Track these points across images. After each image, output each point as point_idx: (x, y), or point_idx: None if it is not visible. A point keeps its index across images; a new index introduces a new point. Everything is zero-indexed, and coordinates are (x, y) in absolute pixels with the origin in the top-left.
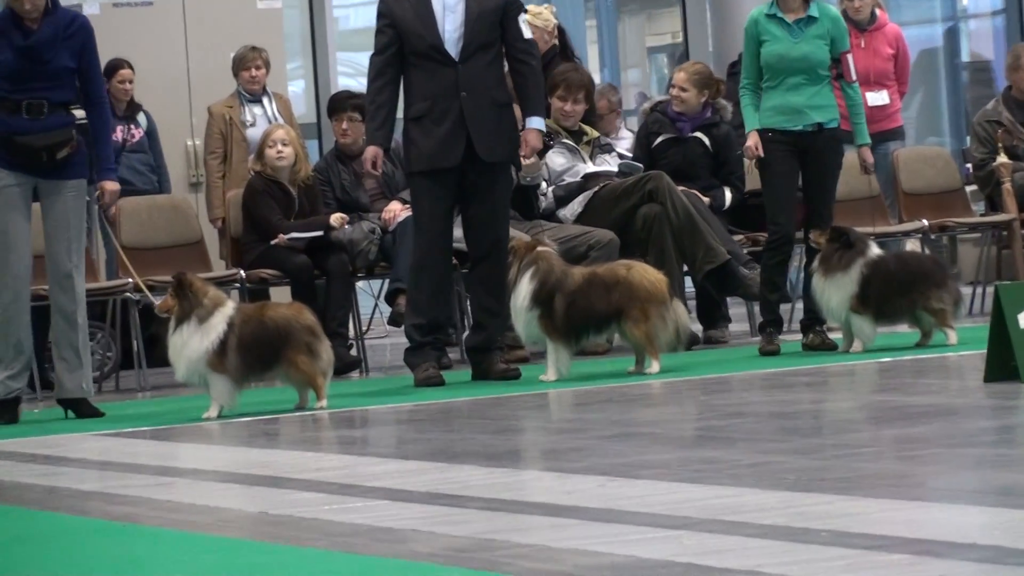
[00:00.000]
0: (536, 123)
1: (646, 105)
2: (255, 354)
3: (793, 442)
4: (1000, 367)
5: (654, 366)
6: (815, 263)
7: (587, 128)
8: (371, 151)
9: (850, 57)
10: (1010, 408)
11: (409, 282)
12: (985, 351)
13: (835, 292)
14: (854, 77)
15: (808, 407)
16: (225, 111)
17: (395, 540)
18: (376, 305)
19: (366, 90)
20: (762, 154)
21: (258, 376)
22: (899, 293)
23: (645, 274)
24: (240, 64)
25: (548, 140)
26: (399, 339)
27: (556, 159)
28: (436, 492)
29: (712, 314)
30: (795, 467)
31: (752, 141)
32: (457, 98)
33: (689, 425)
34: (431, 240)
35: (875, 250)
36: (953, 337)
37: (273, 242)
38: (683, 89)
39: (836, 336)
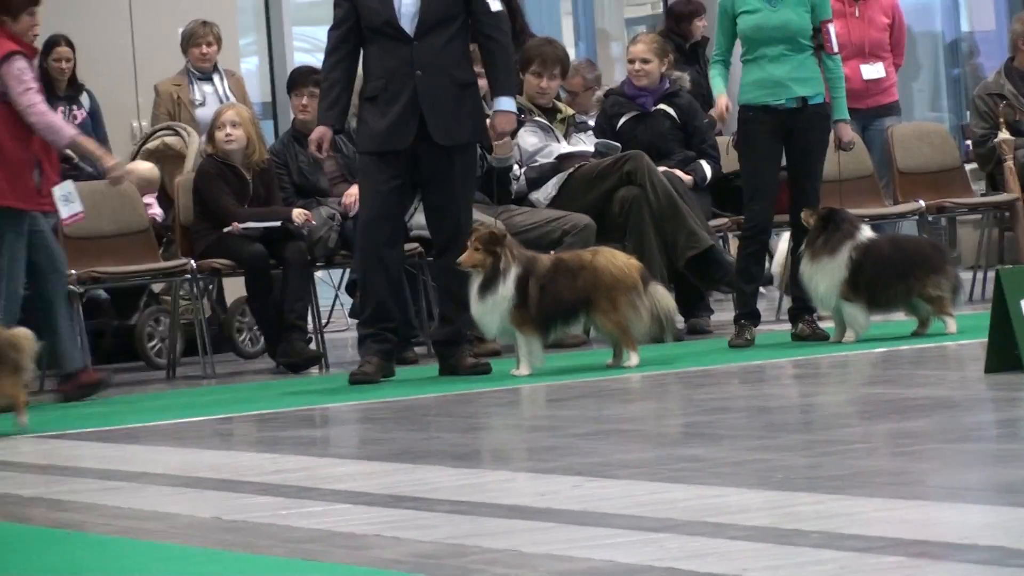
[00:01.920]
0: (505, 104)
1: (599, 93)
2: None
3: (781, 439)
4: (1002, 357)
5: (632, 358)
6: (804, 253)
7: (562, 105)
8: (318, 132)
9: (831, 27)
10: (1012, 400)
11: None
12: (986, 340)
13: (823, 278)
14: (835, 48)
15: (797, 401)
16: (173, 90)
17: (357, 546)
18: (336, 296)
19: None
20: (729, 112)
21: None
22: (894, 279)
23: (613, 259)
24: (190, 40)
25: (521, 117)
26: None
27: (528, 139)
28: (401, 495)
29: (694, 304)
30: (783, 465)
31: (720, 104)
32: (412, 77)
33: (670, 421)
34: (375, 221)
35: (866, 232)
36: (952, 325)
37: (226, 230)
38: (645, 61)
39: (828, 325)
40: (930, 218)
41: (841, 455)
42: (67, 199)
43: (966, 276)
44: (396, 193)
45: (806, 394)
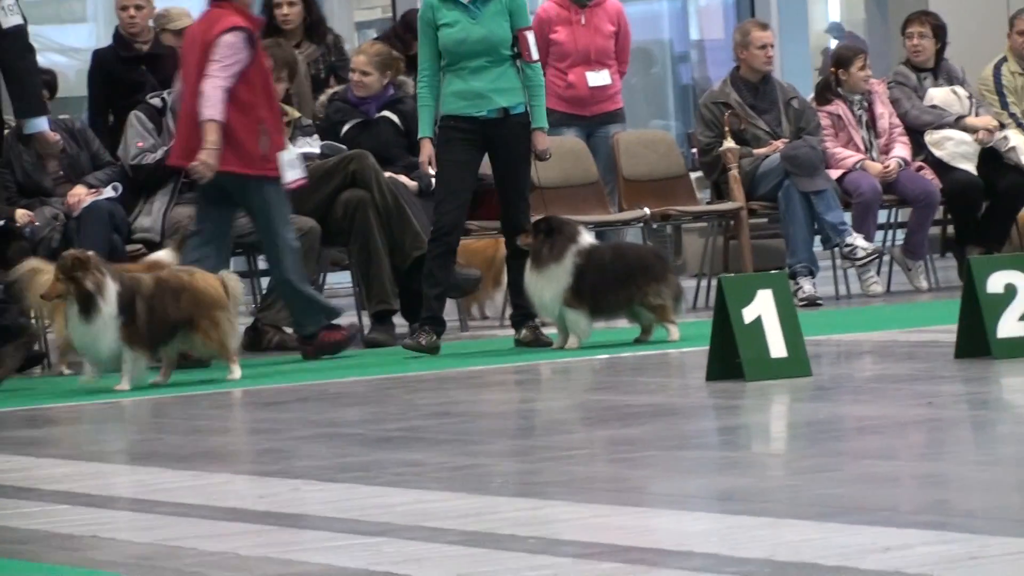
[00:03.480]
0: (34, 126)
1: (323, 98)
2: None
3: (501, 444)
4: (723, 364)
5: (236, 371)
6: (528, 262)
7: (288, 109)
8: None
9: (529, 34)
10: (733, 408)
11: None
12: (708, 347)
13: (547, 285)
14: (534, 56)
15: (518, 407)
16: None
17: (74, 548)
18: None
19: None
20: (432, 171)
21: None
22: (616, 286)
23: (207, 280)
24: None
25: None
26: None
27: None
28: (120, 496)
29: (417, 310)
30: (502, 470)
31: (424, 155)
32: None
33: (390, 425)
34: None
35: (587, 238)
36: (675, 333)
37: None
38: (365, 73)
39: (551, 332)
40: (655, 225)
41: (560, 461)
42: (291, 164)
43: (690, 284)
44: None
45: (527, 400)
